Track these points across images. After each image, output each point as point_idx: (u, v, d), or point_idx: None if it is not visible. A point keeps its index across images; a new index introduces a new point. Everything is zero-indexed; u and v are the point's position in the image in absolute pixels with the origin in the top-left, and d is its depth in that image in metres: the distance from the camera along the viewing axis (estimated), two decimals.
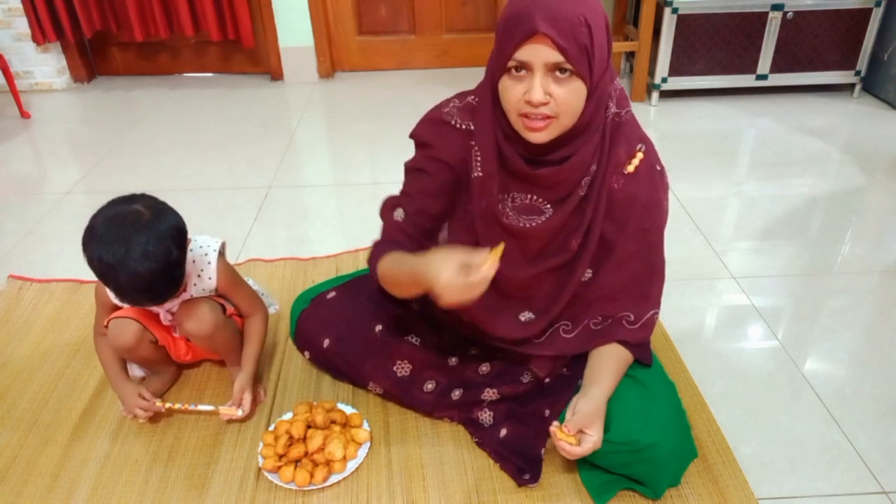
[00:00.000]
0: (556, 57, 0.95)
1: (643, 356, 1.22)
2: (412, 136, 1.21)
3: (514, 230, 1.14)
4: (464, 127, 1.14)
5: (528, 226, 1.13)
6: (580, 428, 1.08)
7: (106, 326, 1.31)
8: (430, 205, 1.19)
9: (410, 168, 1.22)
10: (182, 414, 1.37)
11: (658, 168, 1.14)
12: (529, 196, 1.13)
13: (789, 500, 1.20)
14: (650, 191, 1.12)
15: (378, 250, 1.20)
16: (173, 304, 1.31)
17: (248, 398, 1.32)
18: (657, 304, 1.20)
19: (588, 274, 1.17)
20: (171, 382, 1.45)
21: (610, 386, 1.16)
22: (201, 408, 1.33)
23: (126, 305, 1.30)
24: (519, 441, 1.23)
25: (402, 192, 1.24)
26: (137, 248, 1.10)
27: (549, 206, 1.13)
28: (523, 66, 0.97)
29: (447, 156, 1.16)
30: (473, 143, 1.12)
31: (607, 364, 1.18)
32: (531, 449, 1.22)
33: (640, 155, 1.11)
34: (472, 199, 1.15)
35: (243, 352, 1.39)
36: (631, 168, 1.11)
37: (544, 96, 0.97)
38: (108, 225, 1.12)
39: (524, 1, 0.96)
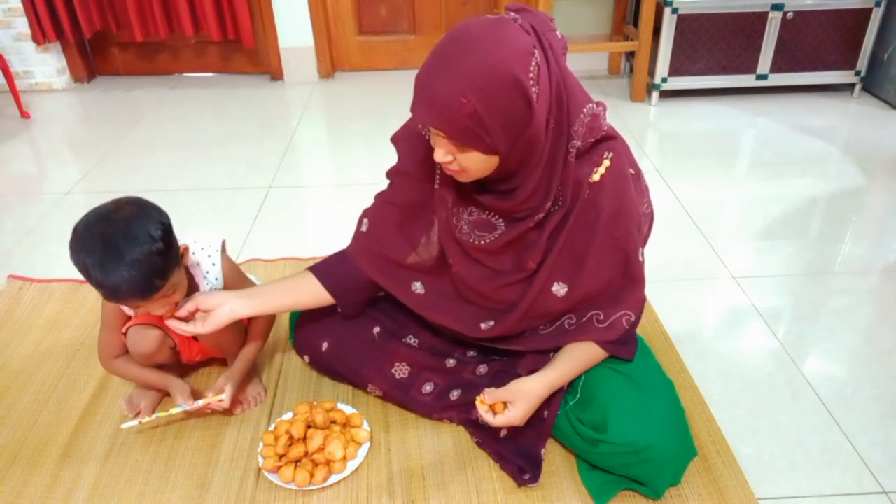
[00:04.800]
0: (442, 133, 0.97)
1: (618, 352, 1.21)
2: (392, 140, 1.27)
3: (466, 246, 1.17)
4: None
5: (478, 243, 1.16)
6: (502, 400, 1.11)
7: (124, 334, 1.31)
8: (391, 212, 1.26)
9: (388, 176, 1.29)
10: (178, 418, 1.37)
11: (631, 172, 1.11)
12: (487, 212, 1.15)
13: (789, 500, 1.20)
14: (618, 198, 1.09)
15: (320, 263, 1.32)
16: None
17: (230, 389, 1.30)
18: (632, 308, 1.18)
19: (564, 288, 1.16)
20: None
21: (556, 376, 1.16)
22: (198, 403, 1.31)
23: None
24: (519, 441, 1.23)
25: (375, 199, 1.31)
26: (120, 239, 1.09)
27: (501, 222, 1.14)
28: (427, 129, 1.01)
29: (413, 167, 1.22)
30: None
31: (565, 357, 1.19)
32: (531, 449, 1.22)
33: (605, 163, 1.08)
34: (437, 208, 1.19)
35: (241, 351, 1.39)
36: (596, 177, 1.08)
37: (444, 157, 1.00)
38: (88, 228, 1.11)
39: (420, 72, 0.96)
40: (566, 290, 1.16)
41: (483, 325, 1.24)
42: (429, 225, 1.24)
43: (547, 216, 1.11)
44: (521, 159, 1.03)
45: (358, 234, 1.31)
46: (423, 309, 1.28)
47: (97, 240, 1.10)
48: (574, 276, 1.15)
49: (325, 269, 1.31)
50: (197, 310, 1.22)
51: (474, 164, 1.00)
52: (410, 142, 1.22)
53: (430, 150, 1.17)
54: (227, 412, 1.37)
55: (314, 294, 1.30)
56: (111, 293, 1.12)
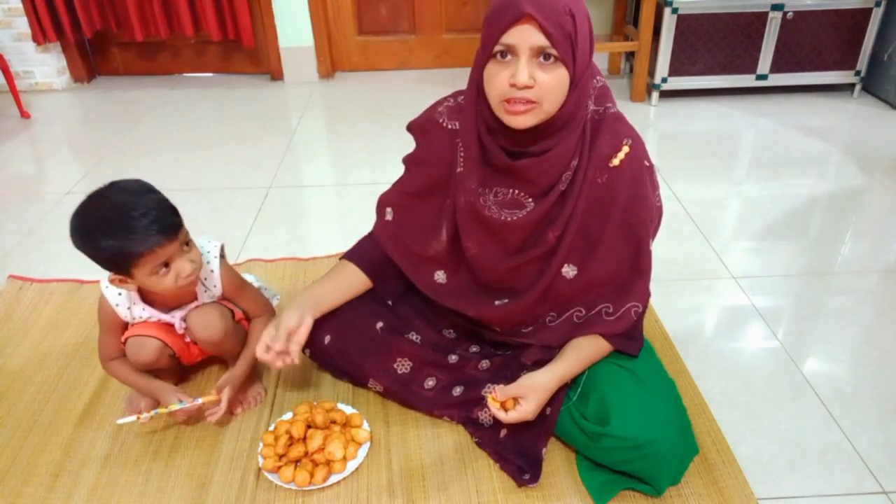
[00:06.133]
0: (541, 40, 0.98)
1: (624, 346, 1.22)
2: (408, 128, 1.29)
3: (494, 223, 1.17)
4: (451, 127, 1.20)
5: (509, 219, 1.16)
6: (512, 396, 1.13)
7: (124, 343, 1.31)
8: (412, 203, 1.29)
9: (405, 163, 1.31)
10: (174, 416, 1.35)
11: (647, 164, 1.15)
12: (512, 191, 1.16)
13: (789, 500, 1.20)
14: (634, 185, 1.13)
15: (353, 249, 1.36)
16: (185, 311, 1.32)
17: (227, 392, 1.29)
18: (640, 300, 1.19)
19: (573, 271, 1.18)
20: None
21: (565, 369, 1.18)
22: (197, 401, 1.29)
23: (138, 319, 1.31)
24: (519, 441, 1.23)
25: (394, 187, 1.32)
26: (129, 195, 1.15)
27: (530, 200, 1.15)
28: (509, 50, 1.00)
29: (433, 156, 1.23)
30: (459, 140, 1.17)
31: (572, 350, 1.20)
32: (531, 449, 1.22)
33: (625, 149, 1.12)
34: (455, 193, 1.20)
35: (242, 353, 1.38)
36: (616, 162, 1.12)
37: (529, 79, 1.00)
38: (87, 210, 1.15)
39: None
40: (575, 272, 1.18)
41: (497, 302, 1.25)
42: (445, 210, 1.25)
43: (568, 191, 1.13)
44: (573, 107, 1.07)
45: (384, 223, 1.33)
46: (441, 296, 1.30)
47: (104, 211, 1.13)
48: (585, 259, 1.17)
49: (362, 257, 1.34)
50: (288, 335, 1.21)
51: (556, 87, 1.02)
52: (428, 130, 1.24)
53: (449, 140, 1.20)
54: (227, 413, 1.36)
55: (362, 285, 1.34)
56: (141, 243, 1.13)
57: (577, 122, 1.09)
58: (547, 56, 0.99)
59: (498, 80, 1.02)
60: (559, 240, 1.16)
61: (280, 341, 1.20)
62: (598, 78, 1.13)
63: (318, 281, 1.33)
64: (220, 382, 1.32)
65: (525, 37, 0.98)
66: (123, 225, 1.11)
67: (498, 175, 1.15)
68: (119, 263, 1.16)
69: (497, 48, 1.01)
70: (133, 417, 1.27)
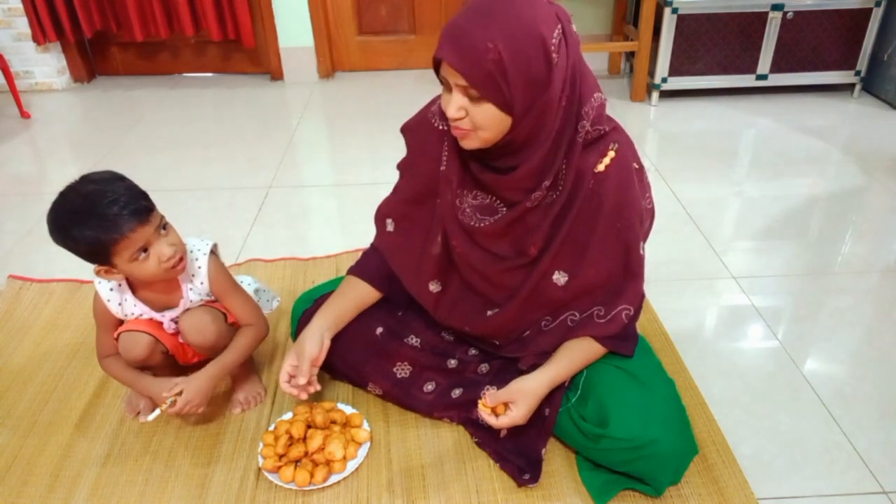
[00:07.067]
0: (461, 80, 0.98)
1: (617, 347, 1.21)
2: (402, 130, 1.29)
3: (467, 227, 1.19)
4: (442, 127, 1.20)
5: (478, 225, 1.17)
6: (503, 401, 1.13)
7: (116, 339, 1.31)
8: (411, 211, 1.29)
9: (399, 168, 1.31)
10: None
11: (635, 166, 1.13)
12: (490, 197, 1.16)
13: (789, 500, 1.20)
14: (621, 189, 1.11)
15: (359, 264, 1.37)
16: (175, 313, 1.31)
17: (186, 395, 1.23)
18: (631, 302, 1.19)
19: (564, 277, 1.18)
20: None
21: (556, 372, 1.17)
22: (156, 412, 1.25)
23: (130, 316, 1.30)
24: (519, 441, 1.23)
25: (391, 196, 1.33)
26: (97, 184, 1.15)
27: (504, 208, 1.16)
28: (445, 82, 1.02)
29: (425, 157, 1.23)
30: (446, 140, 1.18)
31: (563, 353, 1.20)
32: (531, 449, 1.22)
33: (611, 154, 1.10)
34: (442, 192, 1.21)
35: (220, 356, 1.31)
36: (601, 167, 1.10)
37: (457, 112, 1.01)
38: (60, 208, 1.15)
39: (450, 21, 1.00)
40: (566, 279, 1.18)
41: (489, 312, 1.25)
42: (438, 211, 1.25)
43: (549, 201, 1.12)
44: (531, 130, 1.04)
45: (387, 234, 1.33)
46: (438, 309, 1.30)
47: (76, 204, 1.13)
48: (575, 266, 1.16)
49: (370, 272, 1.34)
50: (313, 364, 1.23)
51: (487, 120, 1.01)
52: (420, 130, 1.24)
53: (438, 140, 1.20)
54: (202, 413, 1.32)
55: (373, 299, 1.36)
56: (114, 230, 1.13)
57: (541, 142, 1.06)
58: (474, 92, 0.99)
59: (443, 106, 1.05)
60: (542, 252, 1.16)
61: (305, 374, 1.20)
62: (596, 95, 1.07)
63: (330, 301, 1.33)
64: (177, 380, 1.26)
65: (449, 75, 1.00)
66: (95, 214, 1.12)
67: (476, 180, 1.16)
68: (98, 253, 1.16)
69: (440, 78, 1.03)
70: (155, 415, 1.25)
